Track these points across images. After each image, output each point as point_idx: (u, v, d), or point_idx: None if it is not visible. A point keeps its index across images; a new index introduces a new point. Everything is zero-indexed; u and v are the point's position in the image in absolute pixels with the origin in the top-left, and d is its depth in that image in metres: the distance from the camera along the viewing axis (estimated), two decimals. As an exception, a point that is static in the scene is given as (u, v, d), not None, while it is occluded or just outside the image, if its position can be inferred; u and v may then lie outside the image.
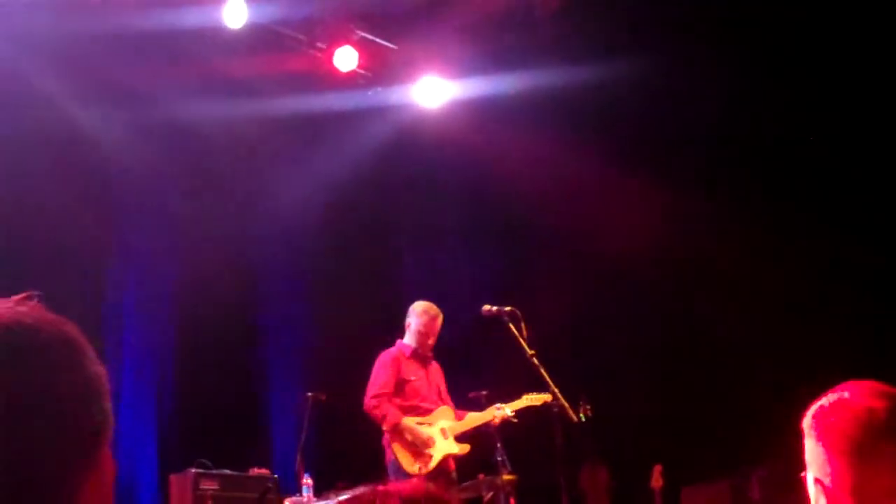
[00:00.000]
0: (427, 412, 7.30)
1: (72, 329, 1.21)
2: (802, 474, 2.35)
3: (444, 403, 7.49)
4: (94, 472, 1.17)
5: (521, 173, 9.76)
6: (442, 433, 7.23)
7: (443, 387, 7.58)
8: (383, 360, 7.38)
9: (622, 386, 9.22)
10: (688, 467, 9.22)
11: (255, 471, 7.40)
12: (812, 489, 2.25)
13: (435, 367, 7.60)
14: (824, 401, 2.25)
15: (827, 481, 2.14)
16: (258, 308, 9.92)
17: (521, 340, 6.70)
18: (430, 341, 7.47)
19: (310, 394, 7.98)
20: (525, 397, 7.26)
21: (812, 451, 2.23)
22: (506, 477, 7.04)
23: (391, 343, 7.58)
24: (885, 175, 9.08)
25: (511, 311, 6.84)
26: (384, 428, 7.17)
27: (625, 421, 9.00)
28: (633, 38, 9.12)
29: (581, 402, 6.90)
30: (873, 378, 2.30)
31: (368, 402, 7.19)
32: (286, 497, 7.38)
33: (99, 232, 8.86)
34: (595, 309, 9.88)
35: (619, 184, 9.66)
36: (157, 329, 9.12)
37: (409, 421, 7.15)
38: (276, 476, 7.34)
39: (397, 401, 7.23)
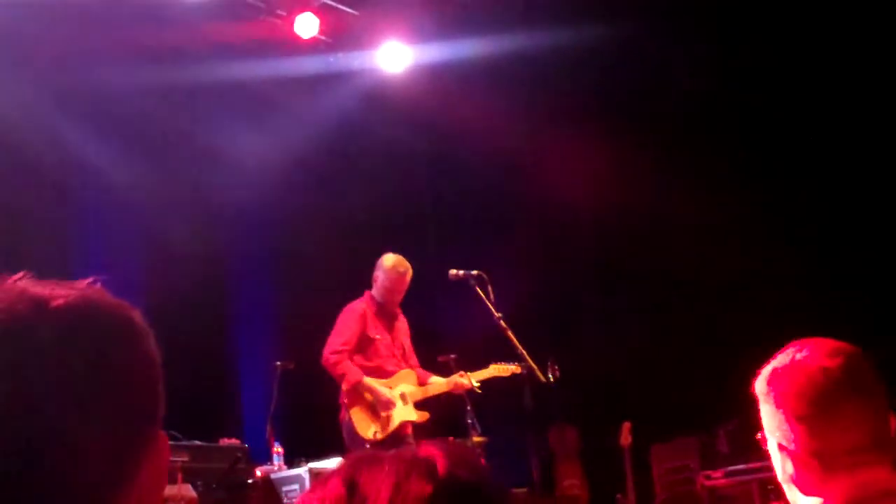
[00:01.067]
0: (389, 374, 7.14)
1: (135, 313, 1.27)
2: (759, 436, 2.34)
3: (408, 363, 7.32)
4: (152, 451, 1.22)
5: (485, 137, 9.75)
6: (402, 398, 7.08)
7: (407, 345, 7.40)
8: (348, 312, 7.19)
9: (589, 345, 9.29)
10: (656, 424, 9.32)
11: (225, 441, 7.38)
12: (776, 454, 2.24)
13: (402, 323, 7.41)
14: (776, 363, 2.24)
15: (791, 446, 2.14)
16: (225, 277, 9.87)
17: (489, 304, 6.72)
18: (398, 298, 7.28)
19: (278, 363, 8.01)
20: (492, 367, 7.15)
21: (771, 416, 2.22)
22: (475, 439, 7.05)
23: None
24: (849, 124, 9.15)
25: (478, 274, 6.84)
26: (343, 387, 6.99)
27: (593, 380, 9.07)
28: (596, 1, 9.08)
29: (549, 363, 6.95)
30: (831, 333, 2.30)
31: (328, 356, 6.99)
32: (257, 466, 7.40)
33: (58, 212, 8.77)
34: (562, 270, 9.92)
35: (583, 147, 9.67)
36: (125, 298, 9.04)
37: (370, 381, 6.98)
38: (246, 446, 7.33)
39: (359, 359, 7.06)
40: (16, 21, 7.96)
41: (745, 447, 9.27)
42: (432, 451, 1.16)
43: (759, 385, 2.27)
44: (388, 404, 6.98)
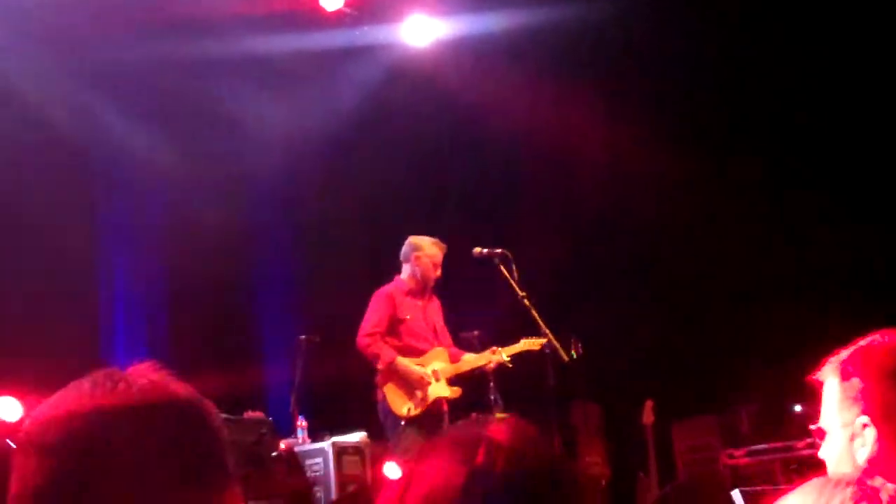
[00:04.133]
0: (421, 353, 7.18)
1: (202, 404, 1.32)
2: (814, 427, 2.29)
3: (441, 343, 7.34)
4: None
5: (510, 112, 9.70)
6: (434, 375, 7.10)
7: (440, 325, 7.41)
8: (378, 297, 7.24)
9: (613, 323, 9.26)
10: (678, 402, 9.33)
11: (250, 414, 7.43)
12: (842, 441, 2.17)
13: (434, 303, 7.43)
14: (864, 344, 2.19)
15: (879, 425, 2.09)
16: (249, 250, 9.89)
17: (512, 282, 6.75)
18: (438, 273, 7.29)
19: (303, 336, 8.04)
20: (522, 341, 7.11)
21: (857, 392, 2.16)
22: (499, 416, 7.07)
23: (383, 283, 7.50)
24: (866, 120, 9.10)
25: (502, 252, 6.88)
26: (378, 367, 7.06)
27: (616, 357, 9.06)
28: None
29: (572, 341, 6.96)
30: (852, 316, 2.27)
31: (361, 339, 7.07)
32: (281, 439, 7.45)
33: (83, 188, 8.79)
34: (585, 248, 9.89)
35: (608, 123, 9.62)
36: (148, 276, 9.09)
37: (403, 360, 7.04)
38: (270, 419, 7.37)
39: (391, 340, 7.11)
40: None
41: (766, 427, 9.29)
42: (495, 438, 1.19)
43: (836, 369, 2.20)
44: (422, 381, 7.01)
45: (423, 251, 7.28)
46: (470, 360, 7.24)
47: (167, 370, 1.32)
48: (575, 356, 6.93)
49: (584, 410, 9.75)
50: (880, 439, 2.11)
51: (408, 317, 7.19)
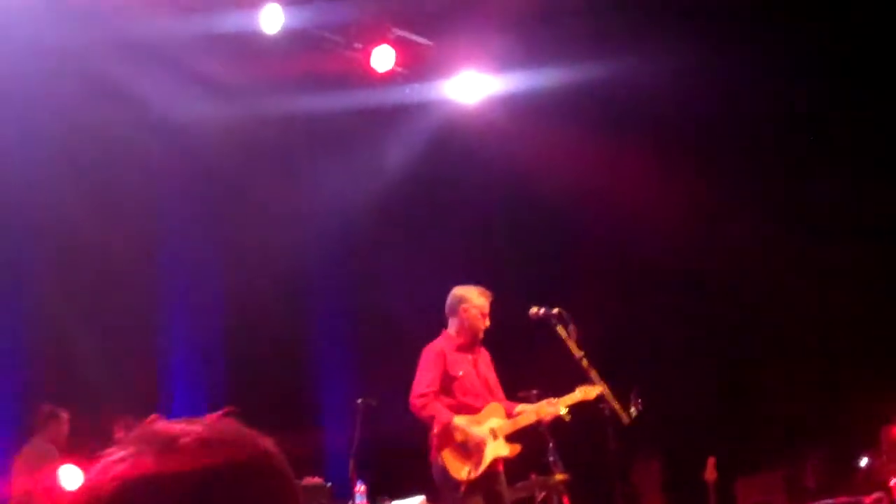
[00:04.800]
0: (476, 410, 6.90)
1: (265, 446, 1.20)
2: (893, 483, 2.24)
3: (494, 396, 7.08)
4: None
5: (561, 168, 9.69)
6: (492, 434, 6.83)
7: (492, 378, 7.14)
8: (428, 354, 6.99)
9: (674, 380, 9.15)
10: (741, 458, 9.18)
11: (309, 480, 7.40)
12: None
13: (484, 356, 7.18)
14: None
15: None
16: (308, 314, 9.94)
17: (570, 343, 6.63)
18: (487, 323, 7.02)
19: (361, 399, 8.01)
20: (578, 390, 6.85)
21: None
22: (558, 476, 6.95)
23: None
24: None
25: (559, 312, 6.72)
26: (434, 429, 6.79)
27: (677, 414, 8.94)
28: (671, 29, 8.98)
29: (632, 397, 6.85)
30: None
31: (414, 401, 6.82)
32: (340, 504, 7.42)
33: (142, 250, 8.91)
34: (643, 303, 9.81)
35: (661, 178, 9.56)
36: (207, 340, 9.17)
37: (461, 421, 6.78)
38: (329, 484, 7.34)
39: (445, 399, 6.85)
40: (103, 57, 8.15)
41: (831, 481, 9.09)
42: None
43: None
44: (480, 445, 6.77)
45: (471, 302, 7.06)
46: (527, 413, 6.95)
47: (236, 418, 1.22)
48: (635, 414, 6.80)
49: (645, 468, 9.62)
50: None
51: (460, 373, 6.94)
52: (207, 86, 8.90)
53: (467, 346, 7.07)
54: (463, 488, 6.69)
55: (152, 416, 1.13)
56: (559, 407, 6.92)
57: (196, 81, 8.83)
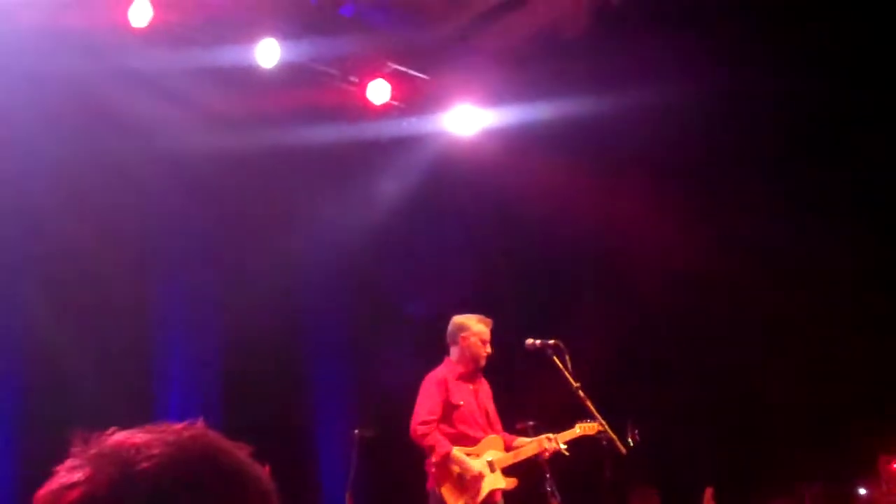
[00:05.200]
0: (475, 441, 6.94)
1: (240, 456, 1.17)
2: None
3: (493, 428, 7.11)
4: None
5: (556, 199, 9.74)
6: (489, 466, 6.88)
7: (491, 409, 7.17)
8: (430, 382, 7.00)
9: (671, 410, 9.15)
10: (739, 489, 9.15)
11: (306, 512, 7.38)
12: None
13: (484, 387, 7.19)
14: None
15: None
16: (302, 345, 9.93)
17: (566, 373, 6.66)
18: (488, 350, 7.04)
19: (357, 430, 7.99)
20: (578, 426, 6.92)
21: None
22: (555, 506, 6.95)
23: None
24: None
25: (555, 344, 6.78)
26: (432, 459, 6.82)
27: (675, 444, 8.94)
28: (665, 64, 9.07)
29: (629, 427, 6.86)
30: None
31: (415, 428, 6.82)
32: (337, 536, 7.39)
33: (139, 280, 8.93)
34: (639, 335, 9.83)
35: (657, 211, 9.61)
36: (202, 371, 9.16)
37: (459, 453, 6.80)
38: (326, 516, 7.32)
39: (444, 427, 6.89)
40: (97, 87, 8.21)
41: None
42: None
43: None
44: (477, 479, 6.78)
45: (470, 329, 7.09)
46: (525, 449, 7.00)
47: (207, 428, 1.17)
48: (632, 444, 6.81)
49: (642, 498, 9.58)
50: None
51: (461, 403, 6.96)
52: (205, 117, 8.96)
53: (469, 375, 7.10)
54: None
55: (111, 429, 1.06)
56: (558, 443, 6.92)
57: (194, 112, 8.88)
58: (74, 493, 1.07)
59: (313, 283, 9.99)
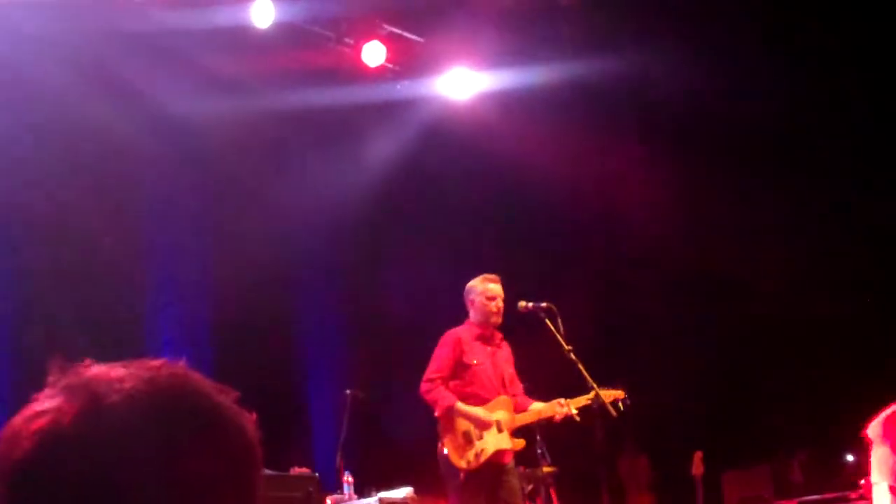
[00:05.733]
0: (485, 401, 6.82)
1: (220, 399, 1.11)
2: (864, 481, 2.37)
3: (509, 391, 6.97)
4: None
5: (551, 163, 9.73)
6: (497, 426, 6.77)
7: (509, 373, 7.04)
8: (445, 339, 6.91)
9: (660, 374, 9.20)
10: (728, 453, 9.22)
11: (297, 470, 7.41)
12: (884, 497, 2.21)
13: (504, 351, 7.09)
14: None
15: None
16: (296, 307, 9.95)
17: (559, 336, 6.64)
18: (497, 305, 6.94)
19: (349, 391, 8.03)
20: (594, 393, 6.66)
21: (888, 459, 2.19)
22: (546, 469, 6.97)
23: (430, 339, 7.36)
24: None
25: (547, 306, 6.74)
26: (436, 413, 6.75)
27: (664, 409, 8.99)
28: (660, 27, 9.04)
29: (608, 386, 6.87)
30: None
31: (423, 385, 6.76)
32: (327, 495, 7.43)
33: (132, 241, 8.93)
34: (631, 298, 9.86)
35: (650, 173, 9.62)
36: (194, 330, 9.18)
37: (464, 406, 6.71)
38: (316, 475, 7.35)
39: (455, 384, 6.80)
40: (98, 50, 8.18)
41: (819, 476, 9.14)
42: None
43: (877, 429, 2.25)
44: (483, 435, 6.69)
45: (475, 291, 7.01)
46: (535, 411, 6.89)
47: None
48: (622, 409, 6.82)
49: (632, 463, 9.66)
50: None
51: (475, 362, 6.87)
52: (199, 78, 8.93)
53: (486, 337, 7.01)
54: (462, 476, 6.68)
55: (86, 360, 1.02)
56: (571, 408, 6.85)
57: (188, 74, 8.85)
58: (40, 422, 1.05)
59: (305, 244, 10.01)
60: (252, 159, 9.66)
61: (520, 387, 7.12)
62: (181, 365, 1.12)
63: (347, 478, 7.70)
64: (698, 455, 8.82)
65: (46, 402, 1.07)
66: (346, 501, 7.50)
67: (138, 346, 8.75)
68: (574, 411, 6.74)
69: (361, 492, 7.64)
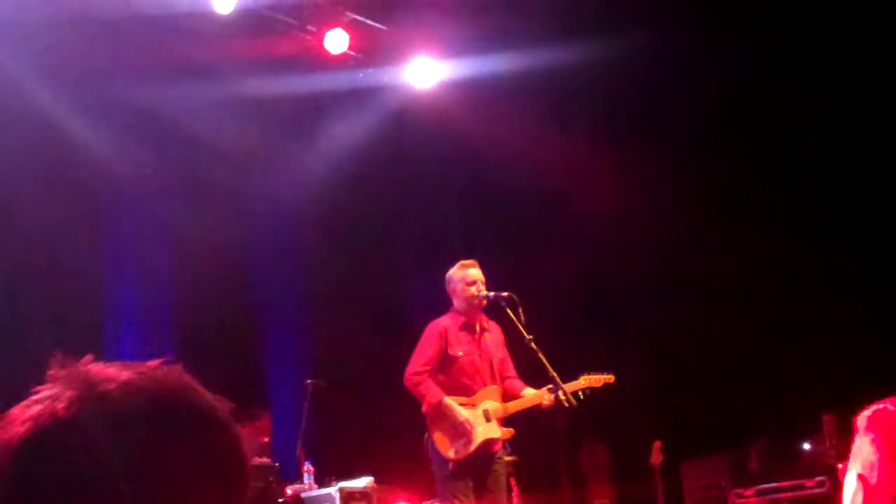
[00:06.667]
0: (472, 391, 6.82)
1: (214, 407, 1.14)
2: (841, 466, 2.43)
3: (496, 378, 6.94)
4: None
5: (514, 152, 9.75)
6: (485, 415, 6.77)
7: (499, 358, 6.98)
8: (430, 332, 6.89)
9: (620, 364, 9.24)
10: (687, 442, 9.29)
11: (257, 460, 7.39)
12: (852, 483, 2.28)
13: (493, 335, 7.02)
14: (888, 405, 2.28)
15: (872, 481, 2.18)
16: (256, 296, 9.89)
17: (520, 325, 6.66)
18: (478, 290, 6.85)
19: (309, 381, 8.01)
20: (582, 378, 6.79)
21: (863, 448, 2.26)
22: (506, 458, 7.00)
23: (392, 327, 7.36)
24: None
25: (508, 296, 6.77)
26: (423, 408, 6.74)
27: (624, 399, 9.03)
28: (624, 16, 9.07)
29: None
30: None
31: (409, 377, 6.74)
32: (287, 485, 7.41)
33: (90, 229, 8.83)
34: (591, 287, 9.90)
35: (613, 161, 9.66)
36: (154, 319, 9.10)
37: (450, 401, 6.69)
38: (276, 464, 7.33)
39: (441, 378, 6.79)
40: (51, 36, 8.05)
41: (775, 465, 9.25)
42: None
43: (863, 420, 2.31)
44: (466, 426, 6.67)
45: (454, 279, 6.98)
46: (524, 399, 6.88)
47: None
48: (582, 398, 6.85)
49: (592, 451, 9.71)
50: (866, 490, 2.21)
51: (460, 353, 6.85)
52: (158, 65, 8.83)
53: (471, 325, 6.98)
54: (451, 466, 6.66)
55: (87, 356, 1.05)
56: (561, 393, 6.81)
57: (148, 60, 8.75)
58: (36, 409, 1.07)
59: (267, 231, 9.95)
60: (213, 147, 9.57)
61: (512, 370, 7.09)
62: (178, 367, 1.15)
63: (308, 468, 7.69)
64: (657, 444, 8.88)
65: (45, 392, 1.09)
66: (306, 491, 7.49)
67: (98, 338, 8.67)
68: (563, 397, 6.63)
69: (322, 482, 7.63)
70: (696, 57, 9.18)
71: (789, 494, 8.84)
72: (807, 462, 9.16)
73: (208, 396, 1.14)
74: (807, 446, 9.32)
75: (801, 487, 8.77)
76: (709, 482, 9.41)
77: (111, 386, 1.07)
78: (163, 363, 1.15)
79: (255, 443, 7.55)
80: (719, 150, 9.62)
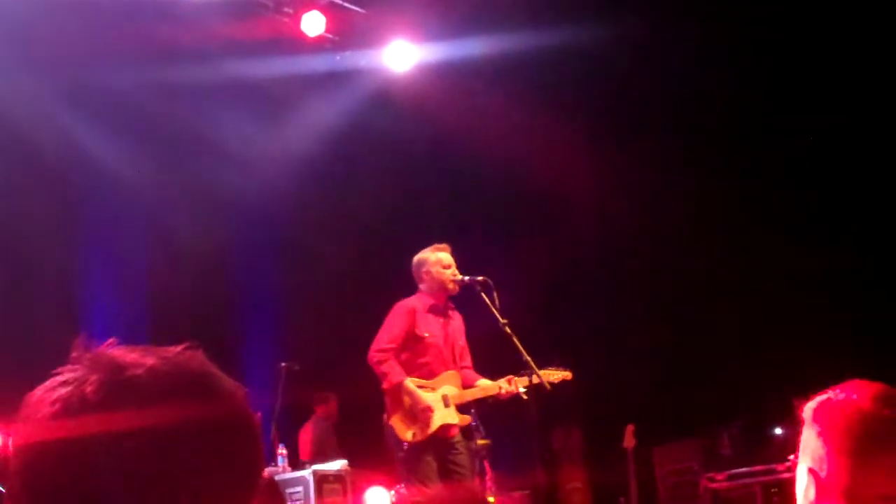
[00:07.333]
0: (434, 374, 6.84)
1: (233, 394, 1.18)
2: (792, 459, 2.42)
3: (457, 364, 6.98)
4: None
5: (491, 136, 9.74)
6: (443, 400, 6.78)
7: (460, 345, 7.04)
8: (398, 310, 6.89)
9: (594, 348, 9.29)
10: (660, 427, 9.35)
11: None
12: (803, 477, 2.28)
13: (456, 322, 7.05)
14: (832, 395, 2.27)
15: (822, 474, 2.18)
16: (231, 277, 9.86)
17: (494, 310, 6.67)
18: (453, 273, 6.87)
19: (284, 363, 8.01)
20: (543, 373, 6.72)
21: (811, 441, 2.25)
22: (480, 441, 7.02)
23: (365, 311, 7.32)
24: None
25: (483, 280, 6.77)
26: (383, 386, 6.74)
27: (597, 382, 9.08)
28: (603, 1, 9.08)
29: (553, 367, 6.94)
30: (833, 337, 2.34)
31: (373, 354, 6.72)
32: (261, 468, 7.40)
33: (65, 211, 8.77)
34: (567, 273, 9.93)
35: (591, 145, 9.67)
36: (129, 304, 9.06)
37: (411, 383, 6.70)
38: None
39: (406, 356, 6.79)
40: (25, 18, 7.96)
41: (747, 450, 9.32)
42: None
43: (808, 410, 2.30)
44: (426, 410, 6.68)
45: (429, 262, 6.97)
46: (482, 388, 6.91)
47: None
48: (556, 382, 6.89)
49: (565, 435, 9.76)
50: (817, 484, 2.21)
51: (426, 335, 6.86)
52: (135, 49, 8.76)
53: (440, 308, 6.99)
54: (406, 447, 6.67)
55: (111, 339, 1.07)
56: (518, 386, 6.84)
57: (123, 44, 8.68)
58: (64, 392, 1.09)
59: (242, 215, 9.91)
60: (187, 130, 9.51)
61: (469, 359, 7.13)
62: (199, 352, 1.19)
63: (282, 450, 7.70)
64: (630, 428, 8.94)
65: (69, 374, 1.12)
66: (280, 474, 7.50)
67: (72, 323, 8.62)
68: (522, 390, 6.73)
69: (296, 464, 7.64)
70: (690, 42, 9.17)
71: (761, 479, 8.91)
72: (778, 447, 9.22)
73: (228, 381, 1.18)
74: (778, 431, 9.39)
75: (773, 472, 8.85)
76: (681, 466, 9.48)
77: (139, 371, 1.11)
78: (185, 349, 1.18)
79: None
80: (706, 140, 9.64)
